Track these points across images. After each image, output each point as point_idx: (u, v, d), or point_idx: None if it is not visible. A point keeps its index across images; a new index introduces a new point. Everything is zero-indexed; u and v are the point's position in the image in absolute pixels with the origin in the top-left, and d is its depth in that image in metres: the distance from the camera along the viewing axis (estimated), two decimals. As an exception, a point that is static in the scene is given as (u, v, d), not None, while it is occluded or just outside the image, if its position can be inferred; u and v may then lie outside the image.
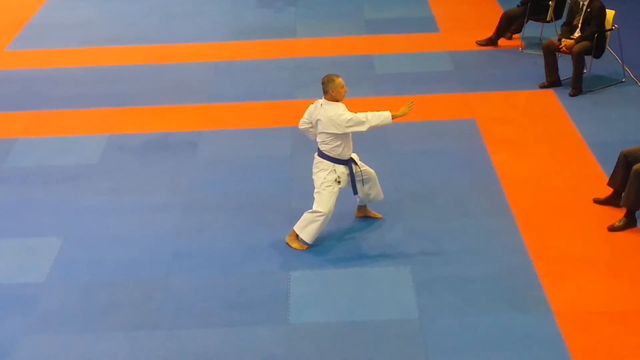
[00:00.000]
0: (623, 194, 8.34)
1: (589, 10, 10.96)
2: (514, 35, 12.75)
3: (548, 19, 12.33)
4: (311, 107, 8.10)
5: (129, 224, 8.66)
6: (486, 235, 8.26)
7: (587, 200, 8.73)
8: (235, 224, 8.60)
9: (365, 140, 9.26)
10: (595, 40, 10.94)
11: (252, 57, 12.55)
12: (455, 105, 10.90)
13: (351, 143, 8.06)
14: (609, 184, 8.62)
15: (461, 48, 12.56)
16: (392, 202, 8.76)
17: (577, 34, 11.06)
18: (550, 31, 12.52)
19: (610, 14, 11.09)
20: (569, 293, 7.45)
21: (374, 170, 8.36)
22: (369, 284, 7.68)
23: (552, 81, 11.24)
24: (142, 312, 7.43)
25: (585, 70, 11.18)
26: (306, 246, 8.15)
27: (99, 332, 7.21)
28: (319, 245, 8.17)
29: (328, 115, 7.84)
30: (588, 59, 11.15)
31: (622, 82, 11.37)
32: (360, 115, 7.83)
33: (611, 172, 8.63)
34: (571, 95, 10.97)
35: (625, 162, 8.41)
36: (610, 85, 11.28)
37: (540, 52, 11.52)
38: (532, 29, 12.66)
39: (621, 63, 11.59)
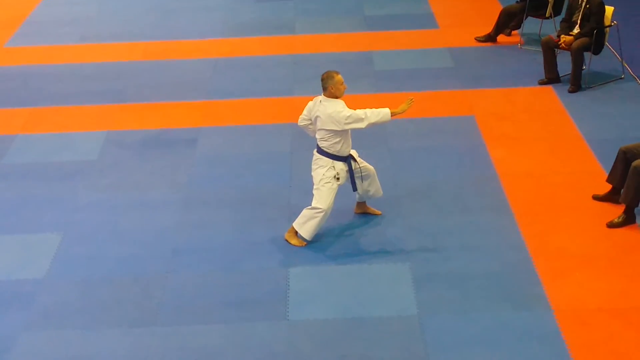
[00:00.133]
0: (622, 191, 8.35)
1: (588, 6, 10.96)
2: (513, 32, 12.74)
3: (547, 15, 12.33)
4: (310, 103, 8.10)
5: (128, 220, 8.66)
6: (485, 232, 8.27)
7: (586, 196, 8.73)
8: (235, 220, 8.60)
9: (365, 137, 9.26)
10: (595, 36, 10.93)
11: (251, 54, 12.54)
12: (454, 101, 10.90)
13: (350, 140, 8.06)
14: (608, 180, 8.62)
15: (460, 44, 12.55)
16: (391, 198, 8.76)
17: (576, 30, 11.05)
18: (549, 27, 12.52)
19: (609, 10, 11.08)
20: (568, 289, 7.45)
21: (373, 166, 8.36)
22: (368, 280, 7.68)
23: (551, 78, 11.24)
24: (141, 308, 7.43)
25: (584, 67, 11.18)
26: (305, 242, 8.16)
27: (98, 328, 7.21)
28: (318, 242, 8.18)
29: (327, 112, 7.84)
30: (587, 55, 11.15)
31: (621, 78, 11.37)
32: (360, 112, 7.83)
33: (610, 168, 8.63)
34: (570, 92, 10.97)
35: (624, 158, 8.41)
36: (609, 82, 11.27)
37: (540, 49, 11.51)
38: (531, 25, 12.66)
39: (620, 59, 11.59)
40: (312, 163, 8.14)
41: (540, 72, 11.35)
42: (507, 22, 12.57)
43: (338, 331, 7.09)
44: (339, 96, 7.91)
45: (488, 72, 11.67)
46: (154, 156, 9.85)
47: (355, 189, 8.24)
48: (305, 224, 8.07)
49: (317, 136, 8.04)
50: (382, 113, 7.86)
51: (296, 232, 8.16)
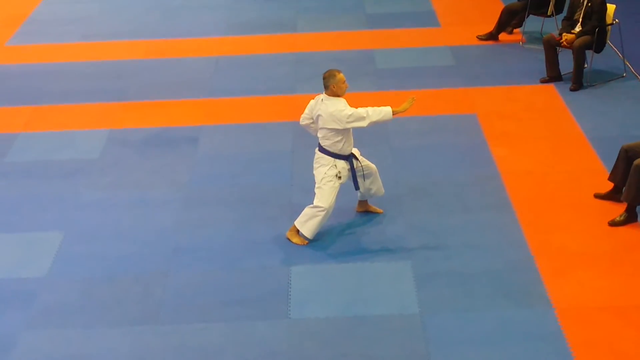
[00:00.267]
0: (624, 189, 8.34)
1: (589, 4, 10.95)
2: (515, 30, 12.74)
3: (549, 13, 12.32)
4: (312, 102, 8.09)
5: (130, 219, 8.66)
6: (487, 230, 8.26)
7: (588, 195, 8.72)
8: (236, 218, 8.60)
9: (366, 135, 9.26)
10: (596, 34, 10.92)
11: (253, 52, 12.54)
12: (456, 100, 10.89)
13: (352, 138, 8.05)
14: (610, 178, 8.61)
15: (462, 43, 12.55)
16: (392, 197, 8.76)
17: (578, 28, 11.05)
18: (551, 26, 12.51)
19: (611, 8, 11.07)
20: (570, 288, 7.45)
21: (375, 165, 8.35)
22: (370, 278, 7.68)
23: (553, 76, 11.23)
24: (142, 307, 7.43)
25: (586, 65, 11.17)
26: (307, 241, 8.15)
27: (99, 327, 7.22)
28: (320, 240, 8.17)
29: (329, 111, 7.84)
30: (589, 53, 11.14)
31: (623, 76, 11.36)
32: (361, 111, 7.82)
33: (612, 167, 8.62)
34: (572, 90, 10.97)
35: (626, 156, 8.40)
36: (611, 80, 11.27)
37: (541, 47, 11.50)
38: (533, 23, 12.65)
39: (622, 58, 11.58)
40: (314, 162, 8.13)
41: (542, 70, 11.35)
42: (509, 20, 12.57)
43: (339, 329, 7.09)
44: (340, 95, 7.90)
45: (490, 70, 11.67)
46: (155, 155, 9.85)
47: (357, 187, 8.24)
48: (307, 223, 8.07)
49: (319, 135, 8.04)
50: (384, 112, 7.85)
51: (298, 231, 8.16)
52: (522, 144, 9.75)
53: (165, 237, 8.35)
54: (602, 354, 6.72)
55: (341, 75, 7.86)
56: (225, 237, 8.33)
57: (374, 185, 8.38)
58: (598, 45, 11.03)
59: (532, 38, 12.57)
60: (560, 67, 11.23)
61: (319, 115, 7.93)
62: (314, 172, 8.12)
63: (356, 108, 7.86)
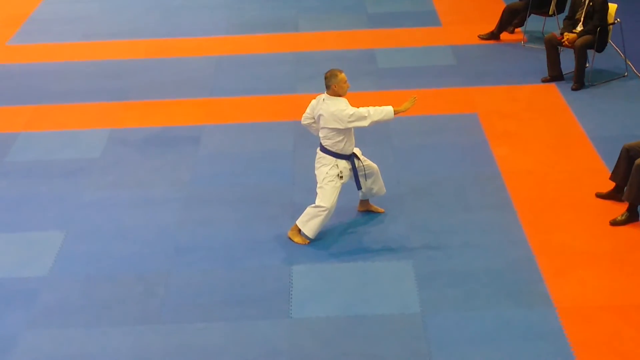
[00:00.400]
0: (625, 188, 8.34)
1: (591, 4, 10.94)
2: (516, 29, 12.74)
3: (550, 12, 12.32)
4: (313, 102, 8.09)
5: (131, 218, 8.66)
6: (488, 230, 8.26)
7: (589, 194, 8.72)
8: (237, 218, 8.60)
9: (368, 135, 9.25)
10: (598, 34, 10.92)
11: (254, 51, 12.54)
12: (457, 99, 10.89)
13: (353, 138, 8.05)
14: (611, 178, 8.61)
15: (463, 42, 12.55)
16: (394, 196, 8.76)
17: (579, 27, 11.04)
18: (552, 25, 12.50)
19: (612, 7, 11.07)
20: (571, 287, 7.45)
21: (376, 164, 8.35)
22: (371, 278, 7.68)
23: (555, 75, 11.23)
24: (144, 306, 7.43)
25: (587, 65, 11.17)
26: (308, 240, 8.15)
27: (101, 326, 7.22)
28: (321, 240, 8.17)
29: (330, 111, 7.83)
30: (590, 53, 11.13)
31: (625, 76, 11.35)
32: (363, 110, 7.82)
33: (613, 166, 8.62)
34: (573, 90, 10.96)
35: (628, 156, 8.40)
36: (612, 80, 11.26)
37: (543, 46, 11.49)
38: (534, 22, 12.64)
39: (623, 57, 11.58)
40: (315, 161, 8.13)
41: (543, 69, 11.34)
42: (510, 19, 12.57)
43: (341, 329, 7.09)
44: (342, 94, 7.90)
45: (491, 69, 11.66)
46: (156, 154, 9.85)
47: (359, 187, 8.24)
48: (309, 222, 8.07)
49: (321, 135, 8.04)
50: (385, 111, 7.85)
51: (299, 230, 8.16)
52: (524, 144, 9.75)
53: (166, 236, 8.35)
54: (603, 353, 6.72)
55: (342, 75, 7.85)
56: (226, 236, 8.33)
57: (376, 185, 8.38)
58: (599, 44, 11.03)
59: (533, 37, 12.57)
60: (562, 66, 11.23)
61: (320, 115, 7.93)
62: (316, 172, 8.11)
63: (357, 107, 7.86)
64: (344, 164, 8.04)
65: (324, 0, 14.45)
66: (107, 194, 9.09)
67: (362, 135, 8.77)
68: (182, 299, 7.51)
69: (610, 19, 11.07)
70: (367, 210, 8.60)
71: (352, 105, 7.88)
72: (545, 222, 8.35)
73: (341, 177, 8.02)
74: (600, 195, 8.66)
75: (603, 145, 9.58)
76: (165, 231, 8.42)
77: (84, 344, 7.03)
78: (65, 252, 8.17)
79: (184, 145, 10.01)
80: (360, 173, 8.15)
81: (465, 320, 7.11)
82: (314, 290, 7.55)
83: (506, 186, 8.95)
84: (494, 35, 12.57)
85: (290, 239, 8.20)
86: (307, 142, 9.52)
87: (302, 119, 8.21)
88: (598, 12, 10.92)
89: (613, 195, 8.59)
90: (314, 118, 8.08)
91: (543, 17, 12.57)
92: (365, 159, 8.22)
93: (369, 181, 8.29)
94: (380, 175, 8.37)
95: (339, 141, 7.95)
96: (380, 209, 8.60)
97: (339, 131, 7.89)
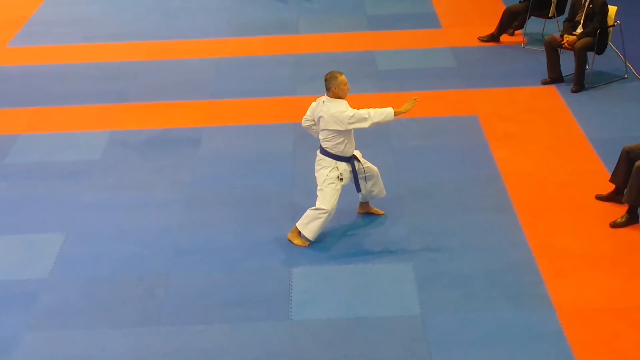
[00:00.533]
0: (625, 191, 8.34)
1: (591, 6, 10.95)
2: (516, 31, 12.74)
3: (550, 14, 12.32)
4: (313, 104, 8.09)
5: (131, 220, 8.66)
6: (488, 232, 8.26)
7: (589, 196, 8.72)
8: (237, 220, 8.60)
9: (368, 136, 9.25)
10: (598, 36, 10.92)
11: (254, 53, 12.54)
12: (457, 101, 10.89)
13: (353, 140, 8.05)
14: (611, 180, 8.61)
15: (463, 44, 12.55)
16: (394, 198, 8.76)
17: (579, 30, 11.05)
18: (552, 27, 12.51)
19: (612, 9, 11.07)
20: (571, 289, 7.45)
21: (376, 166, 8.35)
22: (371, 280, 7.67)
23: (554, 77, 11.23)
24: (144, 308, 7.43)
25: (587, 67, 11.18)
26: (308, 242, 8.15)
27: (100, 328, 7.21)
28: (321, 242, 8.17)
29: (330, 112, 7.84)
30: (590, 55, 11.14)
31: (625, 78, 11.36)
32: (363, 112, 7.82)
33: (613, 168, 8.62)
34: (573, 92, 10.96)
35: (628, 158, 8.40)
36: (612, 82, 11.26)
37: (543, 48, 11.50)
38: (534, 25, 12.64)
39: (623, 59, 11.58)
40: (315, 164, 8.13)
41: (543, 71, 11.35)
42: (510, 21, 12.57)
43: (341, 331, 7.08)
44: (342, 96, 7.90)
45: (491, 71, 11.67)
46: (156, 156, 9.85)
47: (359, 189, 8.24)
48: (309, 225, 8.06)
49: (321, 137, 8.04)
50: (386, 112, 7.85)
51: (299, 232, 8.16)
52: (523, 146, 9.75)
53: (166, 238, 8.35)
54: (603, 355, 6.72)
55: (343, 77, 7.85)
56: (226, 238, 8.33)
57: (376, 188, 8.38)
58: (599, 46, 11.03)
59: (533, 39, 12.57)
60: (562, 68, 11.23)
61: (320, 117, 7.93)
62: (316, 174, 8.11)
63: (358, 109, 7.86)
64: (344, 166, 8.04)
65: (324, 2, 14.46)
66: (107, 195, 9.09)
67: (362, 137, 8.76)
68: (182, 300, 7.51)
69: (610, 21, 11.07)
70: (367, 213, 8.60)
71: (352, 107, 7.88)
72: (545, 224, 8.35)
73: (341, 179, 8.02)
74: (600, 198, 8.66)
75: (603, 147, 9.59)
76: (165, 233, 8.42)
77: (84, 345, 7.03)
78: (65, 254, 8.17)
79: (184, 147, 10.01)
80: (360, 175, 8.15)
81: (465, 322, 7.11)
82: (313, 292, 7.55)
83: (506, 188, 8.95)
84: (494, 38, 12.58)
85: (290, 240, 8.20)
86: (306, 144, 9.52)
87: (302, 121, 8.21)
88: (598, 14, 10.92)
89: (613, 198, 8.59)
90: (314, 120, 8.09)
91: (543, 19, 12.57)
92: (366, 161, 8.22)
93: (369, 184, 8.30)
94: (380, 178, 8.37)
95: (339, 143, 7.95)
96: (380, 211, 8.60)
97: (339, 133, 7.90)
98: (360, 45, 12.67)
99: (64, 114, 10.93)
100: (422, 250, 8.03)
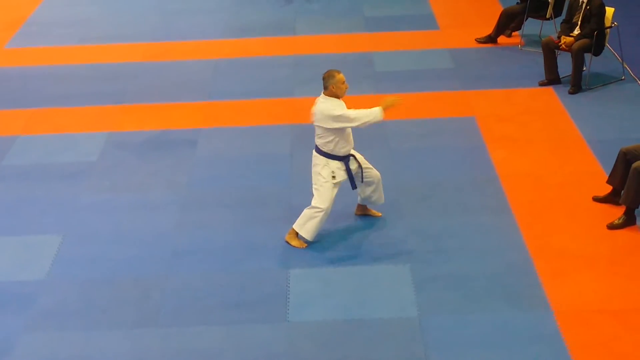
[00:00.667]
0: (622, 192, 8.34)
1: (588, 7, 10.95)
2: (514, 33, 12.74)
3: (547, 16, 12.33)
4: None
5: (129, 222, 8.66)
6: (486, 233, 8.27)
7: (587, 198, 8.73)
8: (235, 221, 8.60)
9: (365, 137, 9.25)
10: (595, 37, 10.93)
11: (252, 55, 12.54)
12: (454, 102, 10.90)
13: (349, 141, 8.00)
14: (609, 181, 8.62)
15: (461, 45, 12.55)
16: (391, 200, 8.75)
17: (576, 31, 11.05)
18: (549, 29, 12.51)
19: (609, 11, 11.08)
20: (569, 290, 7.45)
21: (375, 167, 8.32)
22: (369, 282, 7.68)
23: (552, 79, 11.24)
24: (141, 309, 7.43)
25: (584, 68, 11.18)
26: (306, 244, 8.15)
27: (98, 329, 7.21)
28: (319, 244, 8.17)
29: (320, 109, 7.85)
30: (587, 56, 11.15)
31: (622, 79, 11.37)
32: (351, 113, 7.80)
33: (611, 169, 8.63)
34: (571, 93, 10.97)
35: (625, 159, 8.41)
36: (609, 83, 11.27)
37: (540, 50, 11.51)
38: (531, 26, 12.65)
39: (621, 61, 11.59)
40: (312, 163, 8.13)
41: (540, 73, 11.35)
42: (508, 23, 12.57)
43: (338, 333, 7.08)
44: (340, 95, 7.89)
45: (488, 73, 11.67)
46: (154, 157, 9.85)
47: (354, 187, 8.20)
48: (306, 224, 8.06)
49: (315, 134, 8.02)
50: (374, 113, 7.83)
51: (297, 234, 8.16)
52: (521, 147, 9.76)
53: (164, 239, 8.35)
54: (600, 357, 6.73)
55: (341, 75, 7.84)
56: (224, 239, 8.33)
57: (375, 194, 8.36)
58: (597, 48, 11.04)
59: (530, 41, 12.58)
60: (559, 70, 11.24)
61: (314, 114, 7.93)
62: (312, 173, 8.11)
63: (350, 110, 7.84)
64: (336, 165, 8.00)
65: (322, 4, 14.46)
66: (104, 197, 9.09)
67: (360, 138, 8.75)
68: (179, 302, 7.51)
69: (608, 23, 11.08)
70: (364, 214, 8.60)
71: (348, 108, 7.86)
72: (542, 225, 8.35)
73: (334, 177, 7.98)
74: (597, 199, 8.67)
75: (600, 149, 9.59)
76: (163, 234, 8.42)
77: (81, 347, 7.03)
78: (62, 256, 8.17)
79: (182, 148, 10.01)
80: (355, 175, 8.10)
81: (463, 324, 7.11)
82: (311, 293, 7.55)
83: (504, 189, 8.96)
84: (491, 39, 12.58)
85: (287, 242, 8.20)
86: (304, 145, 9.52)
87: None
88: (595, 15, 10.93)
89: (610, 199, 8.59)
90: (316, 119, 8.08)
91: (540, 21, 12.58)
92: (369, 165, 8.18)
93: (369, 189, 8.28)
94: (381, 185, 8.33)
95: (328, 142, 7.93)
96: (378, 213, 8.59)
97: (329, 131, 7.87)
98: (358, 47, 12.67)
99: (61, 115, 10.92)
100: (420, 252, 8.03)
